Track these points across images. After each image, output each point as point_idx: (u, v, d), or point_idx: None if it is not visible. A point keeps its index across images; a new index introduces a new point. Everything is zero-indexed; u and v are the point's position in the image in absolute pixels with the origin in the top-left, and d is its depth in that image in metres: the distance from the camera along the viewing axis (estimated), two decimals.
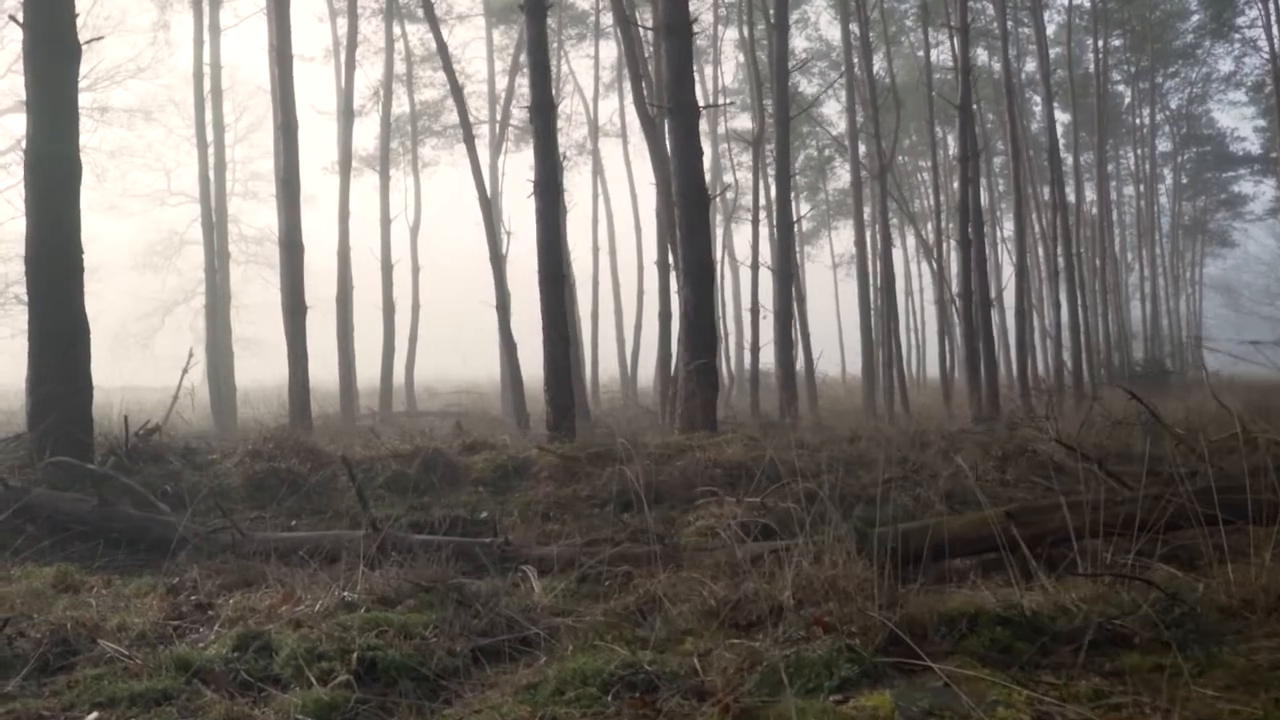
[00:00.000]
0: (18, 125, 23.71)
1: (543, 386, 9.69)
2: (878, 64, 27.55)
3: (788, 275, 18.58)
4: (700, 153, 10.59)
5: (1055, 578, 3.95)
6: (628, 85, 35.69)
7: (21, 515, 5.88)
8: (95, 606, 4.00)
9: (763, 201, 23.47)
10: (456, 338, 38.55)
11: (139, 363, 30.97)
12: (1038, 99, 36.92)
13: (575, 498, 7.21)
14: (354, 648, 3.00)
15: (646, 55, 18.10)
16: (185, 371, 11.29)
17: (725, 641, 3.06)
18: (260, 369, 26.62)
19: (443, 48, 16.04)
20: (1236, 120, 63.65)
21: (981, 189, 24.08)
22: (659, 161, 16.50)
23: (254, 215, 32.97)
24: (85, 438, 7.18)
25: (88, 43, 7.63)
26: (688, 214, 10.35)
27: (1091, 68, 34.02)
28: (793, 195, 23.66)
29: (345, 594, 3.62)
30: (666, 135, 11.35)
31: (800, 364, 22.14)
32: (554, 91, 10.18)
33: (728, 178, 34.46)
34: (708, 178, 24.65)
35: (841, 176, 40.84)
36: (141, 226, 32.42)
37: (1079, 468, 7.07)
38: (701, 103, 26.79)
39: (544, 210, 9.34)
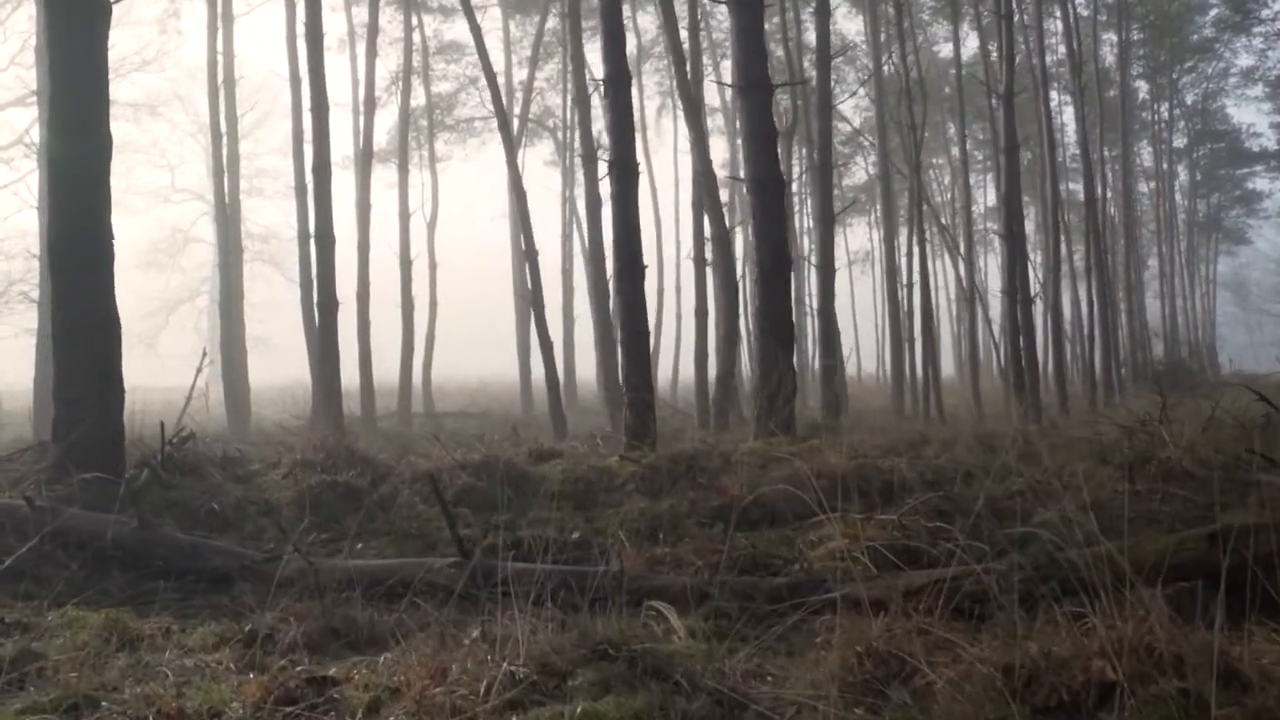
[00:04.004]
0: (18, 119, 22.93)
1: (623, 385, 8.81)
2: (899, 55, 26.88)
3: (830, 270, 17.66)
4: (775, 134, 9.72)
5: None
6: (644, 79, 35.04)
7: (53, 541, 5.00)
8: (168, 676, 3.11)
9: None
10: (469, 336, 37.75)
11: (143, 362, 30.08)
12: (1053, 94, 36.18)
13: (675, 514, 6.33)
14: None
15: (682, 40, 17.23)
16: (199, 371, 10.64)
17: None
18: (267, 368, 25.73)
19: (475, 29, 15.14)
20: (1253, 115, 63.20)
21: (992, 185, 23.43)
22: (700, 148, 15.60)
23: (259, 212, 32.11)
24: (119, 447, 6.31)
25: (117, 1, 6.73)
26: (762, 202, 9.47)
27: (1109, 61, 33.29)
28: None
29: (509, 666, 2.74)
30: (737, 115, 10.45)
31: None
32: (628, 64, 9.27)
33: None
34: (726, 171, 23.82)
35: (855, 173, 40.04)
36: (145, 224, 31.65)
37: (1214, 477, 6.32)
38: (723, 97, 25.83)
39: (619, 192, 8.46)
